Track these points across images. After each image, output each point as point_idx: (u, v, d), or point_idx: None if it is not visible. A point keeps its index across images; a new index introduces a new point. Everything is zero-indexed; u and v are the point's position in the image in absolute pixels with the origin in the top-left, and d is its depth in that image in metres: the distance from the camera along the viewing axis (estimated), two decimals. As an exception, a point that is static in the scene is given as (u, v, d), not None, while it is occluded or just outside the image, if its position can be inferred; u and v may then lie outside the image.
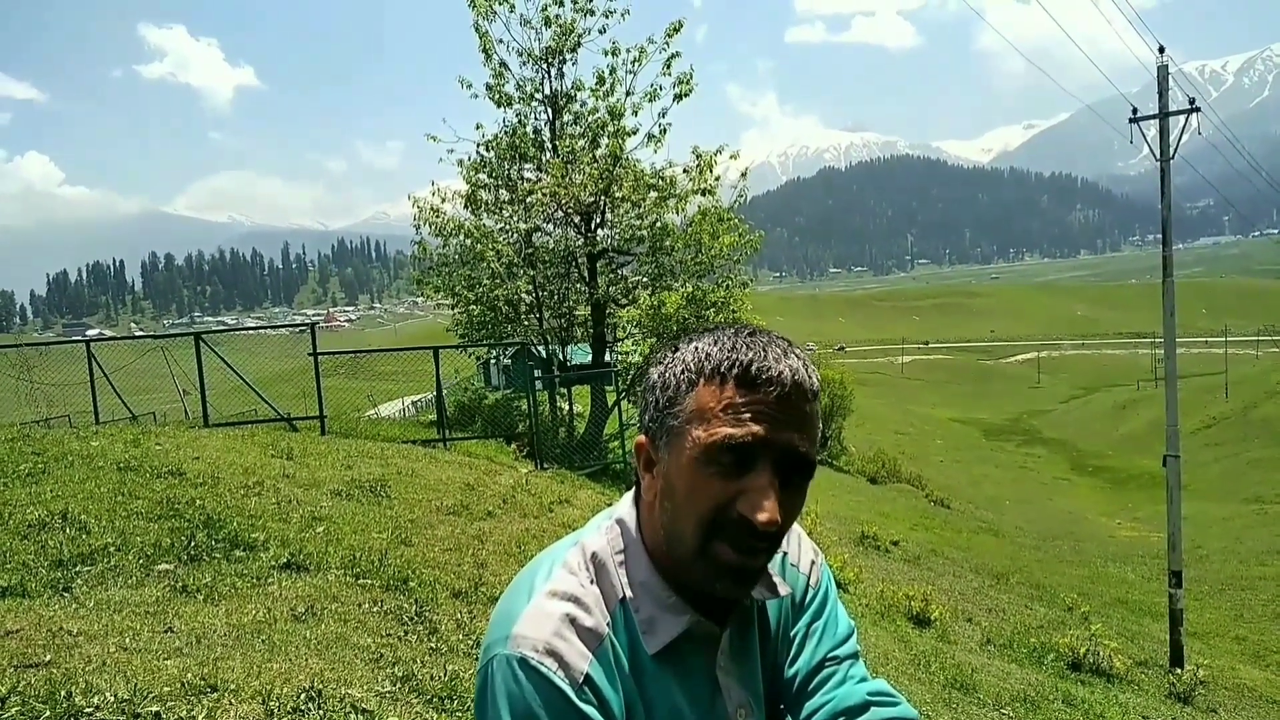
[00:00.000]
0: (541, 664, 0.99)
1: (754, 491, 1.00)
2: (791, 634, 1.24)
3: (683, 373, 1.06)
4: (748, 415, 1.00)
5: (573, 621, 1.04)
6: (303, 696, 3.53)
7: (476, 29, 17.56)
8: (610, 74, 17.81)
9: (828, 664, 1.21)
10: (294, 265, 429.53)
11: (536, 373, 17.49)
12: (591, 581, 1.09)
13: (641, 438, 1.11)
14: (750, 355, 1.03)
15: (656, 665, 1.08)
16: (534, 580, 1.10)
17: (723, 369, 1.03)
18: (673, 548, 1.07)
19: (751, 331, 1.08)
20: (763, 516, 0.99)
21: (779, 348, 1.05)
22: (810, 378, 1.05)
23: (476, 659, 4.39)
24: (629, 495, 1.18)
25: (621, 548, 1.13)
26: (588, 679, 1.01)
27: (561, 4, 17.54)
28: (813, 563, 1.29)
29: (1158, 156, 12.95)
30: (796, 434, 1.02)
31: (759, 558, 1.05)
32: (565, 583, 1.08)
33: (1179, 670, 10.51)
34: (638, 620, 1.08)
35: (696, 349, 1.07)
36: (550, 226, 18.79)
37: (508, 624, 1.04)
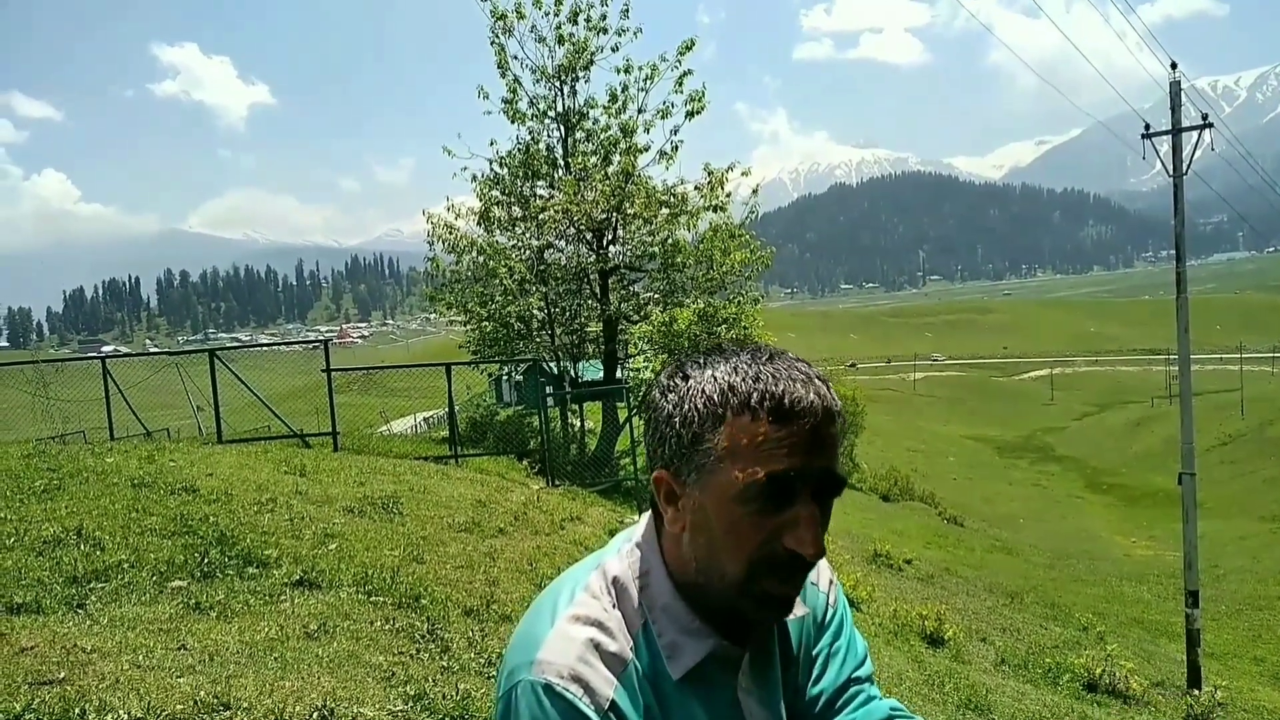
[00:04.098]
0: (567, 690, 0.99)
1: (800, 525, 0.99)
2: (814, 653, 1.25)
3: (705, 406, 1.02)
4: (784, 450, 0.98)
5: (597, 647, 1.03)
6: (315, 715, 3.53)
7: (493, 43, 17.72)
8: (623, 92, 17.95)
9: (852, 684, 1.24)
10: (308, 282, 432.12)
11: (548, 389, 17.51)
12: (614, 605, 1.08)
13: (661, 472, 1.07)
14: (780, 387, 1.00)
15: (679, 689, 1.07)
16: (556, 604, 1.09)
17: (753, 403, 0.99)
18: (710, 580, 1.05)
19: (769, 356, 1.04)
20: (812, 550, 0.99)
21: (801, 372, 1.02)
22: (834, 399, 1.03)
23: (489, 677, 4.39)
24: (647, 517, 1.17)
25: (643, 571, 1.11)
26: (613, 705, 1.00)
27: (575, 23, 17.68)
28: (831, 582, 1.29)
29: (1171, 172, 12.93)
30: (831, 459, 1.01)
31: (800, 584, 1.05)
32: (588, 607, 1.07)
33: (1196, 692, 10.40)
34: (661, 645, 1.07)
35: (715, 379, 1.03)
36: (562, 243, 18.89)
37: (531, 649, 1.03)
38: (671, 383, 1.08)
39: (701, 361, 1.07)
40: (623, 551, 1.15)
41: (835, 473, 1.01)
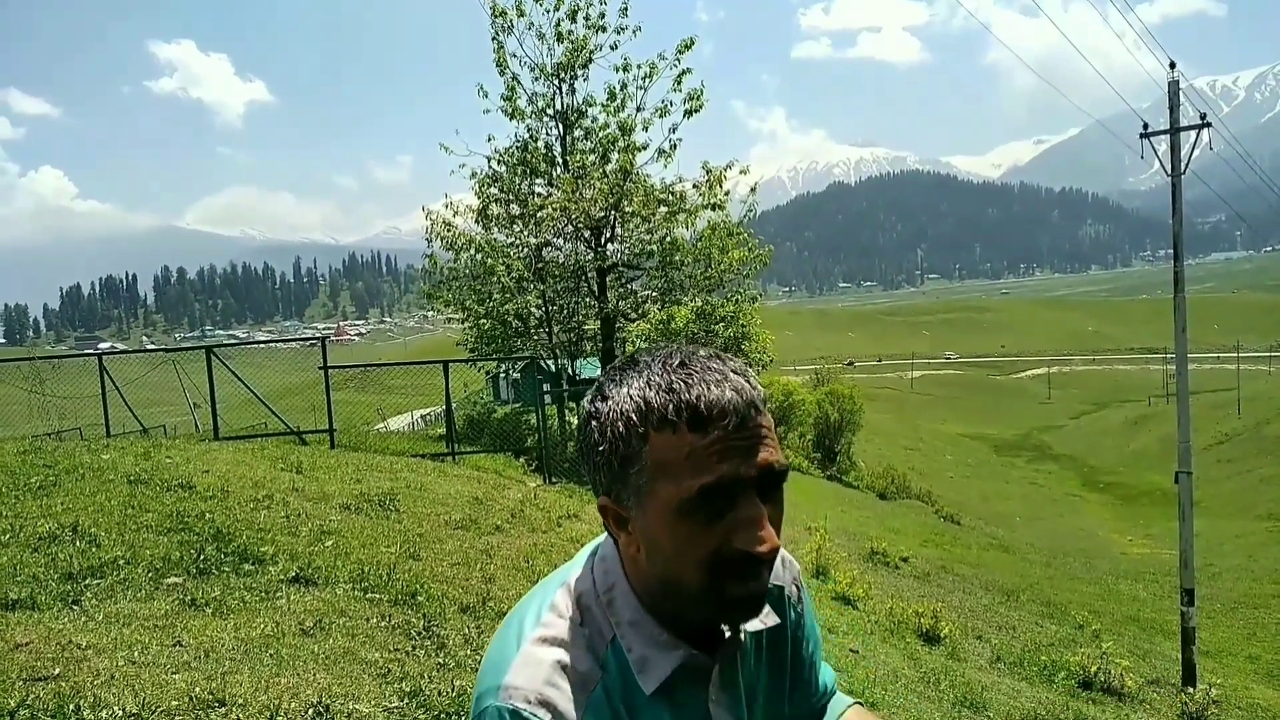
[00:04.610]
0: (534, 715, 0.98)
1: (746, 525, 0.97)
2: (804, 655, 1.29)
3: (626, 427, 0.99)
4: (714, 457, 0.95)
5: (564, 668, 1.02)
6: (310, 712, 3.53)
7: (493, 40, 17.71)
8: (621, 90, 17.92)
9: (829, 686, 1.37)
10: (305, 279, 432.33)
11: (545, 387, 17.50)
12: (580, 624, 1.07)
13: (604, 499, 1.04)
14: (695, 393, 0.96)
15: (650, 703, 1.06)
16: (522, 625, 1.08)
17: (670, 416, 0.96)
18: (673, 595, 1.04)
19: (680, 361, 1.00)
20: (763, 548, 0.97)
21: (715, 371, 0.99)
22: (754, 388, 0.99)
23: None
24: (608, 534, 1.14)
25: (608, 586, 1.10)
26: None
27: (574, 20, 17.67)
28: (796, 583, 1.29)
29: (1169, 172, 12.93)
30: (764, 451, 0.98)
31: (764, 580, 1.03)
32: (554, 627, 1.06)
33: (1191, 689, 10.41)
34: (631, 660, 1.06)
35: (630, 397, 0.99)
36: (560, 241, 18.87)
37: (498, 674, 1.02)
38: (594, 407, 1.04)
39: (617, 378, 1.03)
40: (588, 567, 1.13)
41: (771, 467, 0.98)
